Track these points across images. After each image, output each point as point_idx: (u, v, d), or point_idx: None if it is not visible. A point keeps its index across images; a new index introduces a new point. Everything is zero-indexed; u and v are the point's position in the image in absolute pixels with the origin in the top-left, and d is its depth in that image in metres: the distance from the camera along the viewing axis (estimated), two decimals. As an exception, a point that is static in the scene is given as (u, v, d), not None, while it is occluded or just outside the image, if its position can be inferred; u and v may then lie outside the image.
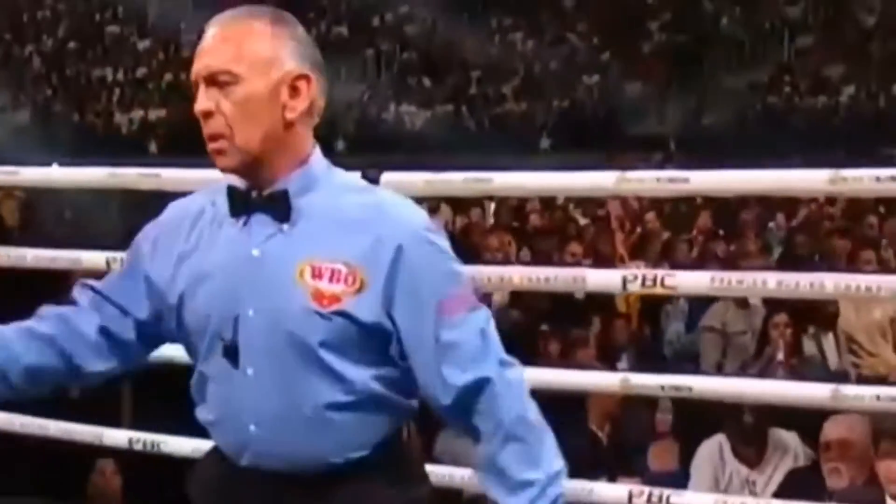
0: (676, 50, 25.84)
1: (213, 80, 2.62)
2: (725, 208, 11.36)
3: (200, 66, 2.62)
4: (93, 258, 5.55)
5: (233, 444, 2.70)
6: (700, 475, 5.90)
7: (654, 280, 4.03)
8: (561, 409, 6.20)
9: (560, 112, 25.01)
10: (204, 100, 2.61)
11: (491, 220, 12.14)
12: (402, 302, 2.62)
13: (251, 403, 2.65)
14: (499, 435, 2.61)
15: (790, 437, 5.96)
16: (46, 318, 2.80)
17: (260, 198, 2.65)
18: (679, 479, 5.67)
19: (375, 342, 2.64)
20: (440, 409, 2.64)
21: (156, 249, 2.76)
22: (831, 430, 5.22)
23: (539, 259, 8.81)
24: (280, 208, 2.63)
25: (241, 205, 2.66)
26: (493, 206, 12.66)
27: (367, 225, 2.62)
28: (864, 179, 3.79)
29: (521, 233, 11.14)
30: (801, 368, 6.83)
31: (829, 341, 7.81)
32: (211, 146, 2.62)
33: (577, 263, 8.50)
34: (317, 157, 2.68)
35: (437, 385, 2.62)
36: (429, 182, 4.50)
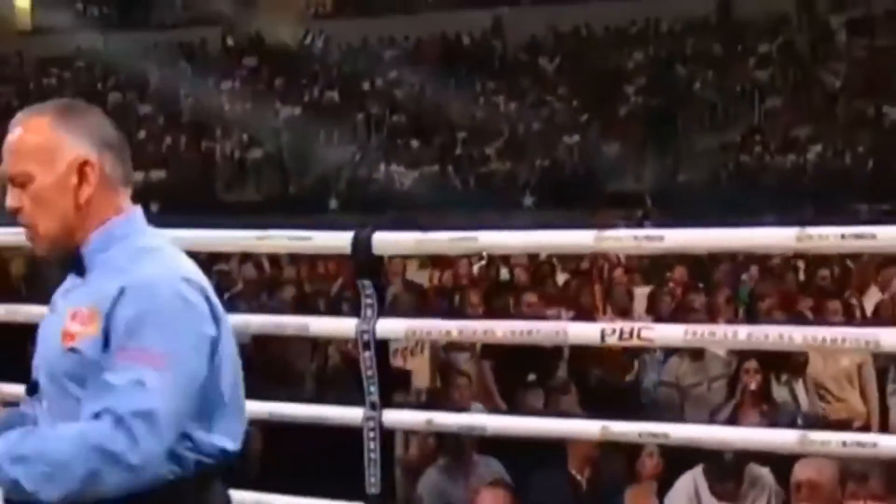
0: (652, 112, 25.94)
1: (13, 181, 2.78)
2: (699, 261, 11.40)
3: (3, 168, 2.80)
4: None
5: None
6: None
7: (631, 333, 4.05)
8: (542, 453, 6.25)
9: (542, 170, 25.07)
10: (10, 199, 2.79)
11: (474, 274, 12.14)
12: (111, 339, 2.69)
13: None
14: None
15: (765, 473, 6.00)
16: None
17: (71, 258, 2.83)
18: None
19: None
20: None
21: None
22: (801, 472, 5.26)
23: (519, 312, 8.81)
24: (76, 265, 2.82)
25: (64, 265, 2.85)
26: (483, 261, 12.69)
27: (120, 275, 2.73)
28: (829, 237, 3.82)
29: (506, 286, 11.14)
30: (770, 414, 6.85)
31: (799, 387, 7.85)
32: (26, 236, 2.82)
33: (558, 316, 8.55)
34: (120, 219, 2.84)
35: None
36: (419, 241, 4.53)
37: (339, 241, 4.49)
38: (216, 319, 2.79)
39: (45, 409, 2.81)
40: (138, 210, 2.90)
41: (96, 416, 2.63)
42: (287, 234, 4.67)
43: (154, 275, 2.75)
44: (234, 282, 11.88)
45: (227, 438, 2.85)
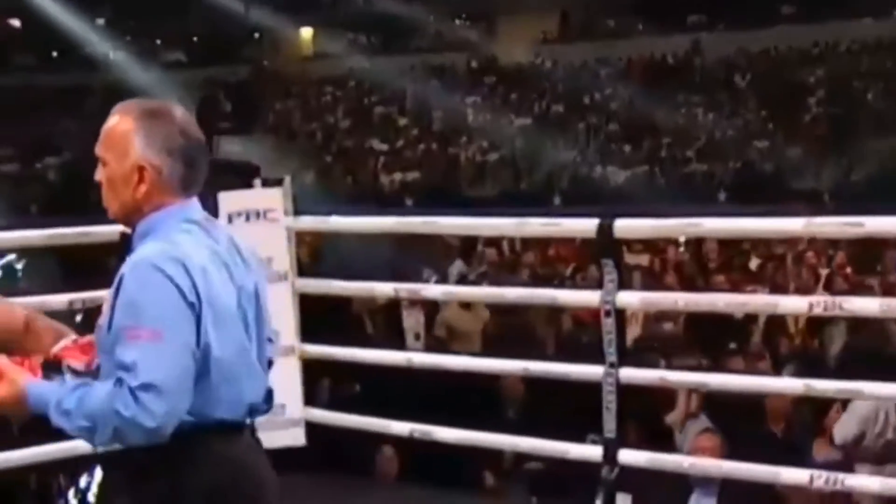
0: (830, 120, 25.24)
1: (100, 159, 2.80)
2: (862, 246, 10.99)
3: (98, 148, 2.80)
4: (384, 289, 5.70)
5: None
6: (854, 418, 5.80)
7: (835, 305, 3.99)
8: (742, 409, 6.17)
9: (735, 171, 24.56)
10: (97, 173, 2.80)
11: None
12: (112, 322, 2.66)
13: None
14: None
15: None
16: None
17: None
18: (841, 467, 5.56)
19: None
20: None
21: None
22: None
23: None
24: (126, 249, 2.80)
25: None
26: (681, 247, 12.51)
27: (126, 267, 2.70)
28: None
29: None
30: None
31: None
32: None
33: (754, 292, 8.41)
34: (160, 214, 2.77)
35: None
36: (654, 226, 4.53)
37: (585, 226, 4.53)
38: (198, 294, 2.67)
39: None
40: (185, 205, 2.81)
41: (117, 381, 2.60)
42: (540, 221, 4.72)
43: (142, 256, 2.70)
44: (480, 263, 11.96)
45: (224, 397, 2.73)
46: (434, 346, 8.12)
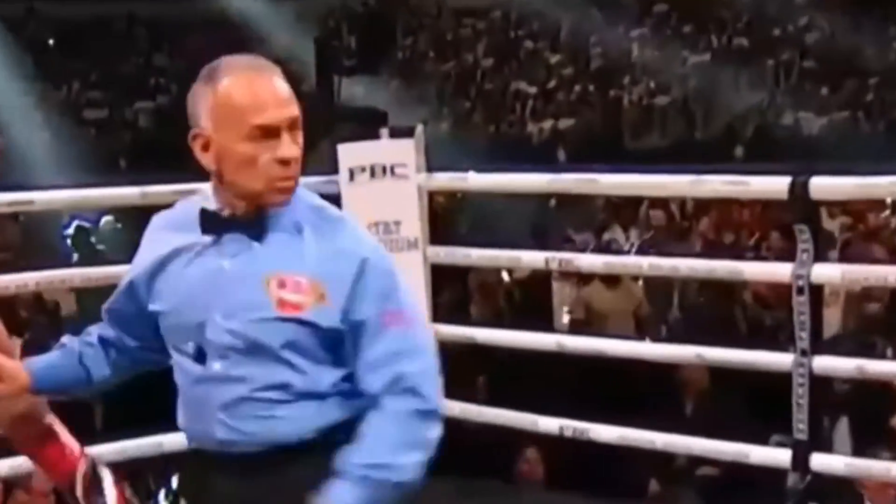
0: None
1: (296, 125, 2.90)
2: None
3: (287, 112, 2.89)
4: (533, 258, 5.71)
5: (203, 433, 2.96)
6: None
7: None
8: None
9: (958, 119, 24.00)
10: (293, 147, 2.89)
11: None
12: (359, 310, 2.88)
13: (219, 393, 2.93)
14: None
15: None
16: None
17: (233, 217, 2.94)
18: None
19: (330, 343, 2.91)
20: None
21: (142, 272, 3.07)
22: None
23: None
24: (255, 227, 2.92)
25: (213, 224, 2.95)
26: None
27: (329, 242, 2.90)
28: None
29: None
30: None
31: None
32: (288, 185, 2.91)
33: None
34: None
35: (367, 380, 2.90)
36: (859, 186, 4.46)
37: (775, 186, 4.47)
38: None
39: (220, 370, 2.94)
40: None
41: (392, 383, 2.87)
42: (721, 179, 4.67)
43: (373, 241, 2.98)
44: (645, 229, 11.92)
45: None
46: (581, 327, 8.13)
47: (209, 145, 2.92)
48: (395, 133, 5.55)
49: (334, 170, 5.50)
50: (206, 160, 2.94)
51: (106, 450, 4.86)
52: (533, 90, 28.32)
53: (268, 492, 2.91)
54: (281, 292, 2.88)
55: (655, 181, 5.25)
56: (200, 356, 2.96)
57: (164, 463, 5.98)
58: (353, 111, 24.51)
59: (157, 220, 3.13)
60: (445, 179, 5.72)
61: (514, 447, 6.61)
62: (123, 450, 5.02)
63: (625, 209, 12.48)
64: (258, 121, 2.85)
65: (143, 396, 5.92)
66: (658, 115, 26.63)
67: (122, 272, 3.23)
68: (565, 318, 8.79)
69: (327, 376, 2.93)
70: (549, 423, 5.35)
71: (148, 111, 28.17)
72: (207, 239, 2.97)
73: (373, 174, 5.45)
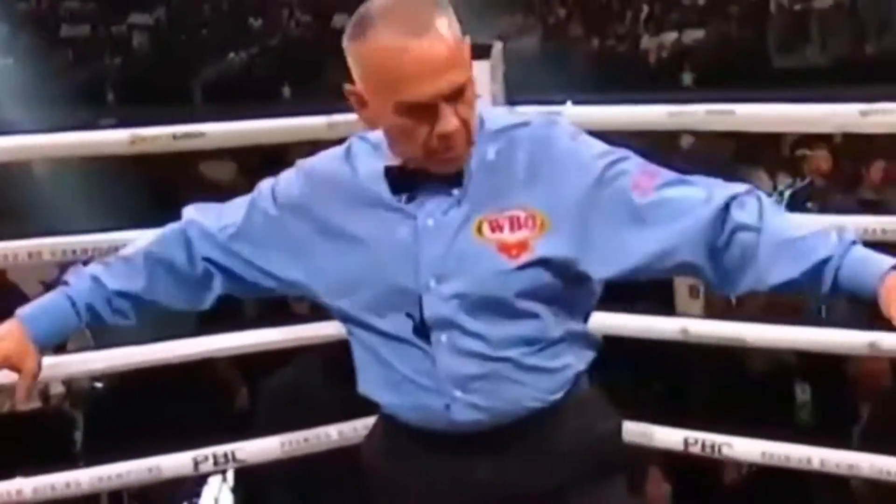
0: None
1: (456, 96, 3.08)
2: None
3: (442, 85, 3.05)
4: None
5: (431, 412, 3.23)
6: None
7: None
8: None
9: None
10: (453, 120, 3.07)
11: None
12: (599, 216, 3.14)
13: (450, 369, 3.19)
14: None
15: None
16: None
17: (424, 170, 3.16)
18: None
19: (569, 276, 3.17)
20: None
21: (284, 212, 3.33)
22: None
23: None
24: (450, 176, 3.16)
25: (403, 181, 3.19)
26: None
27: (527, 161, 3.17)
28: None
29: None
30: None
31: None
32: (452, 156, 3.12)
33: None
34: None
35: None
36: None
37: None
38: None
39: (446, 341, 3.19)
40: None
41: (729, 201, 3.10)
42: (904, 107, 4.61)
43: (558, 135, 3.24)
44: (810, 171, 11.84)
45: None
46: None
47: (365, 105, 3.15)
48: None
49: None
50: (365, 119, 3.20)
51: (86, 476, 4.90)
52: (648, -7, 28.33)
53: (522, 466, 3.22)
54: (498, 235, 3.14)
55: (813, 112, 5.20)
56: (420, 328, 3.20)
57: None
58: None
59: (311, 172, 3.37)
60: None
61: (634, 465, 6.61)
62: (108, 475, 5.05)
63: (770, 148, 12.43)
64: (407, 98, 3.04)
65: (130, 410, 6.01)
66: (816, 24, 26.48)
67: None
68: (689, 298, 8.71)
69: (567, 321, 3.23)
70: (669, 436, 5.32)
71: (142, 28, 28.38)
72: (395, 199, 3.20)
73: (438, 104, 5.43)
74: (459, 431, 3.21)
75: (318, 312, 3.70)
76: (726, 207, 3.09)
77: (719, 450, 5.18)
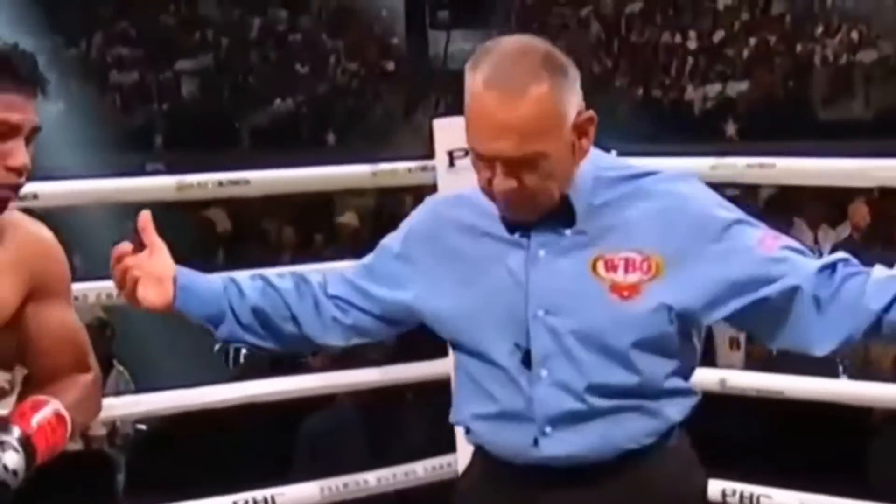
0: None
1: (515, 163, 3.11)
2: None
3: (497, 149, 3.10)
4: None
5: (519, 446, 3.27)
6: None
7: None
8: None
9: None
10: (507, 182, 3.12)
11: None
12: (717, 265, 3.16)
13: (546, 406, 3.23)
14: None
15: None
16: (293, 279, 3.46)
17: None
18: None
19: (677, 325, 3.21)
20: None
21: (412, 253, 3.41)
22: None
23: None
24: (564, 214, 3.22)
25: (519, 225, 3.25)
26: None
27: (649, 208, 3.21)
28: None
29: None
30: None
31: None
32: (511, 216, 3.22)
33: None
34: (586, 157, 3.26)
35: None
36: None
37: None
38: None
39: (545, 377, 3.23)
40: None
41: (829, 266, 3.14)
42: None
43: (684, 187, 3.29)
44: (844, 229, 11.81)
45: None
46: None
47: None
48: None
49: (430, 153, 5.48)
50: None
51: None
52: (694, 44, 28.26)
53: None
54: (612, 275, 3.19)
55: (856, 166, 5.19)
56: (525, 359, 3.25)
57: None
58: (455, 75, 24.43)
59: (437, 205, 3.52)
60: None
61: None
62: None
63: (814, 201, 12.40)
64: (469, 143, 3.17)
65: (172, 453, 6.03)
66: (863, 76, 26.41)
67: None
68: (729, 350, 8.70)
69: (669, 373, 3.26)
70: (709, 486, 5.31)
71: (190, 74, 28.48)
72: (511, 236, 3.28)
73: (478, 161, 5.41)
74: (544, 465, 3.23)
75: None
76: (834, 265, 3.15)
77: (758, 501, 5.17)
